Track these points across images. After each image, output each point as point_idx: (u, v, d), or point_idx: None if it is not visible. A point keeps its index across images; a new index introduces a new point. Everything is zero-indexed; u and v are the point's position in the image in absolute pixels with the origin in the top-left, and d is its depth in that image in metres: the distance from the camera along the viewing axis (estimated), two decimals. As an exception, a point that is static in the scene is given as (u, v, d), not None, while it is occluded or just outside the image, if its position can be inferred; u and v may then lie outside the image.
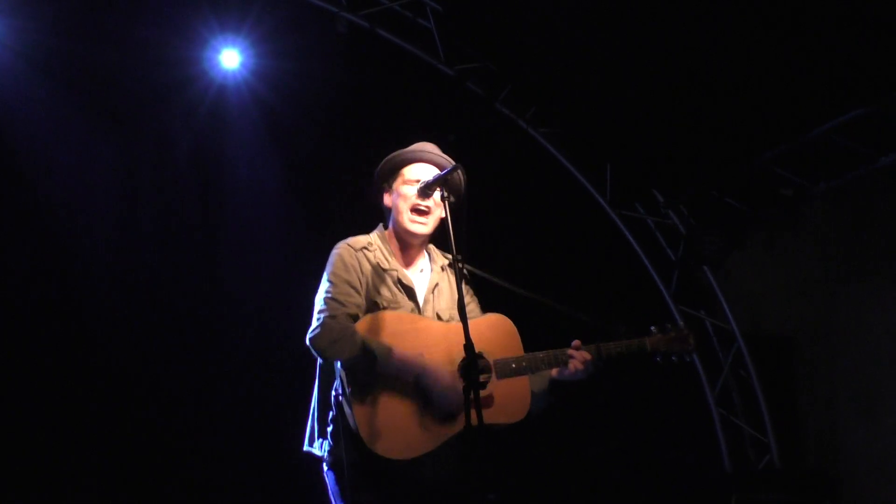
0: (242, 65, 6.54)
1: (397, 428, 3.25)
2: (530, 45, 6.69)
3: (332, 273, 3.43)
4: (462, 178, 3.49)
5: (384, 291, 3.45)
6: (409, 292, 3.50)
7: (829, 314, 7.00)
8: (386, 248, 3.56)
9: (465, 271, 3.57)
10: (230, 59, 6.51)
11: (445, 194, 3.34)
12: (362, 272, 3.45)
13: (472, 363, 3.03)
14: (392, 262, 3.53)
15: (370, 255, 3.50)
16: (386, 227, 3.66)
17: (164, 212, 6.47)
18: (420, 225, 3.52)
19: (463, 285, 3.64)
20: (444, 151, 3.65)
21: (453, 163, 3.55)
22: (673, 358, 3.72)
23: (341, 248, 3.51)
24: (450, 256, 3.58)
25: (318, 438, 3.43)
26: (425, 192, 3.45)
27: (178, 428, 6.17)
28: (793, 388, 7.41)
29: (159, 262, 6.36)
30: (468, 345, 3.06)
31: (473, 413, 2.99)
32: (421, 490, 3.34)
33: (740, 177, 7.07)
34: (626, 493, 7.01)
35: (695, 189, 7.35)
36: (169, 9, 6.29)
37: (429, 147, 3.62)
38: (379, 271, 3.47)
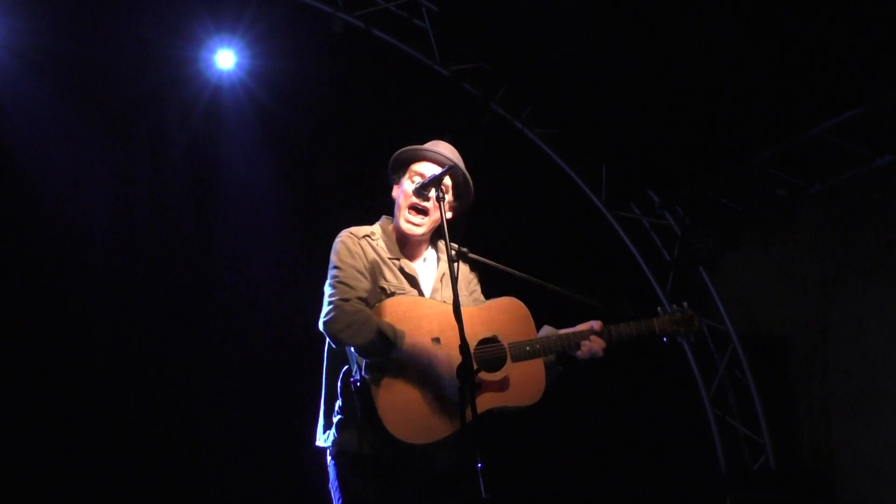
0: (238, 65, 6.55)
1: (418, 412, 3.27)
2: (526, 46, 6.68)
3: (338, 259, 3.45)
4: (465, 178, 3.54)
5: (391, 278, 3.47)
6: (412, 281, 3.51)
7: (824, 314, 7.02)
8: (389, 239, 3.58)
9: (473, 260, 3.63)
10: (226, 59, 6.50)
11: (441, 195, 3.34)
12: (367, 259, 3.46)
13: (468, 365, 3.04)
14: (395, 252, 3.55)
15: (373, 243, 3.53)
16: (393, 219, 3.67)
17: (160, 211, 6.47)
18: (414, 226, 3.53)
19: (470, 273, 3.71)
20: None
21: (462, 164, 3.59)
22: (678, 339, 3.80)
23: (344, 236, 3.53)
24: (457, 247, 3.62)
25: (325, 430, 3.42)
26: (421, 192, 3.47)
27: (173, 425, 6.19)
28: (788, 388, 7.42)
29: (155, 262, 6.37)
30: (463, 346, 3.06)
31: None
32: (425, 483, 3.35)
33: (735, 177, 7.08)
34: (621, 493, 7.02)
35: (690, 189, 7.36)
36: (165, 9, 6.29)
37: (441, 147, 3.62)
38: (383, 259, 3.50)
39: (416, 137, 3.70)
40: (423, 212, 3.52)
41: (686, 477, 7.15)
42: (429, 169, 3.55)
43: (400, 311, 3.35)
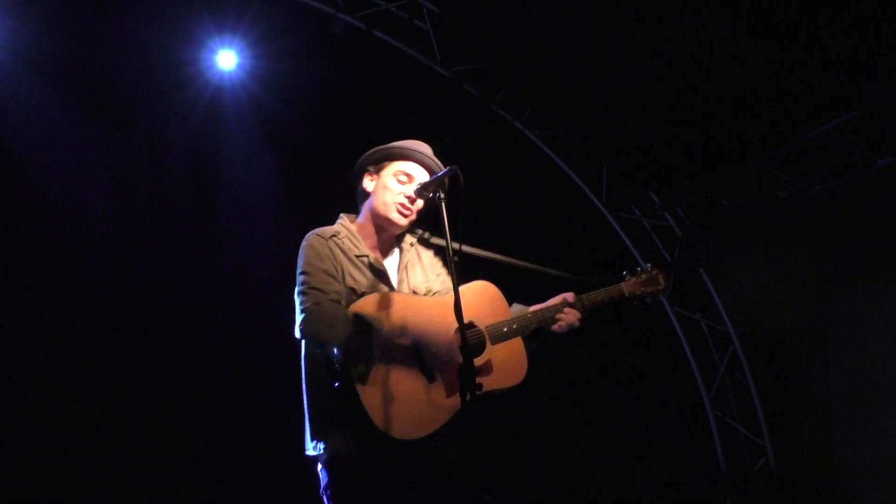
0: (239, 66, 6.54)
1: (407, 407, 3.23)
2: (526, 47, 6.69)
3: (307, 263, 3.41)
4: (459, 179, 3.52)
5: (359, 277, 3.44)
6: (382, 276, 3.50)
7: (824, 316, 7.01)
8: (354, 237, 3.56)
9: (432, 243, 3.65)
10: (227, 60, 6.51)
11: (441, 195, 3.32)
12: (336, 260, 3.44)
13: (469, 368, 3.01)
14: (362, 248, 3.53)
15: (339, 242, 3.50)
16: (357, 214, 3.67)
17: (160, 213, 6.46)
18: (403, 217, 3.54)
19: (435, 257, 3.71)
20: (440, 153, 3.66)
21: (443, 167, 3.57)
22: (647, 301, 3.79)
23: (311, 239, 3.50)
24: (419, 232, 3.68)
25: (312, 439, 3.38)
26: (422, 192, 3.46)
27: (173, 425, 6.17)
28: (788, 390, 7.42)
29: (155, 261, 6.37)
30: (464, 347, 3.04)
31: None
32: (420, 480, 3.33)
33: (736, 178, 7.08)
34: (622, 494, 7.02)
35: (691, 191, 7.36)
36: (166, 10, 6.29)
37: (423, 148, 3.63)
38: (351, 258, 3.47)
39: (416, 138, 3.71)
40: (409, 215, 3.55)
41: (686, 478, 7.15)
42: (415, 169, 3.57)
43: (372, 310, 3.30)
